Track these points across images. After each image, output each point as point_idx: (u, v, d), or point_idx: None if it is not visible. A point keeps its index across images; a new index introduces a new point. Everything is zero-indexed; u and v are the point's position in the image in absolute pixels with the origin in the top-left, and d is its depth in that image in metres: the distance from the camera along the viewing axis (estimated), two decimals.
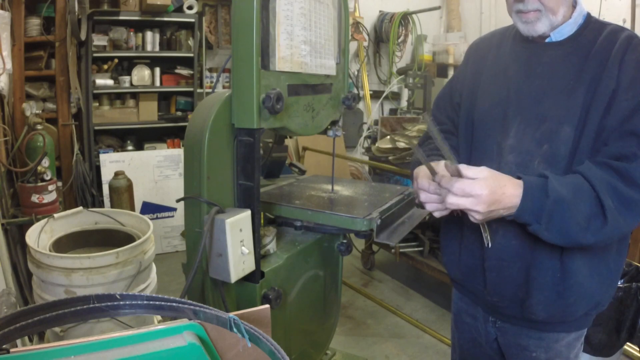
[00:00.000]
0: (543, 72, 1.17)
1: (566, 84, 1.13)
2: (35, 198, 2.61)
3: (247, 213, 1.24)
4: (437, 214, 1.13)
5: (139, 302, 0.81)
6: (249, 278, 1.29)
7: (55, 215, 1.84)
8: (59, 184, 3.40)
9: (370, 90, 5.74)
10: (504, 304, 1.27)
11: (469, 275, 1.33)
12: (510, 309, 1.26)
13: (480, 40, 1.41)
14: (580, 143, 1.10)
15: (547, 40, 1.18)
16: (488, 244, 1.08)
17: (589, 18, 1.18)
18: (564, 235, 1.05)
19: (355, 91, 2.78)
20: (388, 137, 3.71)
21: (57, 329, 1.54)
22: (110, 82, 4.14)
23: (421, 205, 1.15)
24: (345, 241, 1.68)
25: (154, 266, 1.82)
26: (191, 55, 4.39)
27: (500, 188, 1.02)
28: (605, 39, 1.13)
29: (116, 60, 4.16)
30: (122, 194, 3.40)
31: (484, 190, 1.00)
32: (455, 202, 1.01)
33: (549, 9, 1.12)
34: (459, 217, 1.33)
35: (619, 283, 2.11)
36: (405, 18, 5.53)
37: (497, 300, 1.28)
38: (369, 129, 5.57)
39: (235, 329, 0.75)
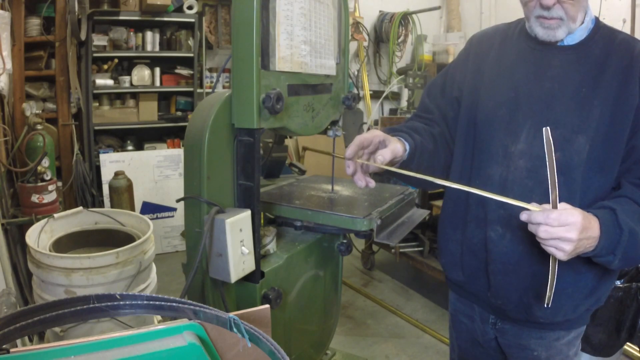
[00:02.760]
0: (554, 75, 1.16)
1: (577, 90, 1.13)
2: (35, 198, 2.61)
3: (247, 213, 1.24)
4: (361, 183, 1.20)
5: (139, 302, 0.81)
6: (249, 278, 1.29)
7: (55, 215, 1.84)
8: (59, 184, 3.40)
9: (370, 90, 5.74)
10: (509, 307, 1.26)
11: (471, 277, 1.32)
12: (515, 312, 1.26)
13: (482, 34, 1.39)
14: (594, 155, 1.11)
15: (558, 44, 1.17)
16: (549, 303, 1.02)
17: (597, 23, 1.18)
18: (632, 261, 1.11)
19: (355, 91, 2.79)
20: None
21: (57, 329, 1.54)
22: (110, 82, 4.14)
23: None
24: (345, 241, 1.68)
25: (154, 266, 1.82)
26: (191, 55, 4.39)
27: (587, 217, 1.02)
28: (619, 50, 1.13)
29: (116, 60, 4.16)
30: (122, 194, 3.40)
31: (577, 217, 0.98)
32: (550, 232, 0.98)
33: (570, 17, 1.11)
34: (458, 219, 1.33)
35: (619, 283, 2.11)
36: (405, 18, 5.53)
37: (501, 304, 1.27)
38: (369, 129, 5.56)
39: (235, 329, 0.75)
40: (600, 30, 1.17)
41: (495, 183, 1.20)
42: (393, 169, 1.18)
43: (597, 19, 1.19)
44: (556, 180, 0.97)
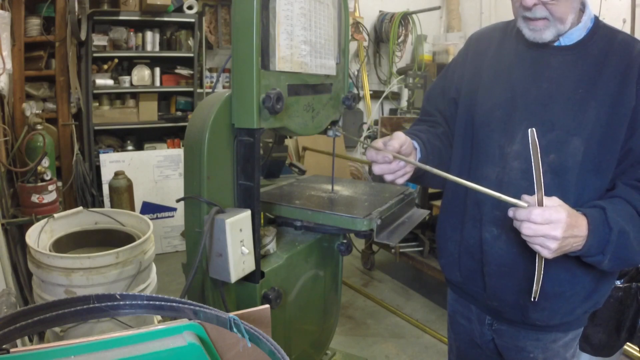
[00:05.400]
0: (551, 76, 1.14)
1: (574, 91, 1.11)
2: (35, 198, 2.61)
3: (247, 213, 1.24)
4: (398, 180, 1.20)
5: (139, 302, 0.81)
6: (249, 278, 1.29)
7: (55, 215, 1.84)
8: (59, 184, 3.40)
9: (370, 90, 5.74)
10: (505, 309, 1.26)
11: (468, 278, 1.32)
12: (511, 314, 1.26)
13: (481, 33, 1.37)
14: (589, 157, 1.10)
15: (555, 44, 1.15)
16: (535, 297, 1.02)
17: (597, 22, 1.16)
18: (623, 263, 1.08)
19: (355, 91, 2.79)
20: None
21: (57, 329, 1.54)
22: (110, 82, 4.15)
23: (379, 178, 1.22)
24: (345, 241, 1.68)
25: (154, 266, 1.82)
26: (191, 55, 4.39)
27: (575, 215, 1.00)
28: (618, 51, 1.11)
29: (116, 60, 4.16)
30: (122, 194, 3.40)
31: (562, 214, 0.97)
32: (534, 229, 0.97)
33: (557, 18, 1.09)
34: (456, 219, 1.32)
35: (619, 283, 2.11)
36: (405, 18, 5.53)
37: (497, 305, 1.27)
38: (369, 129, 5.56)
39: (235, 329, 0.75)
40: (599, 30, 1.15)
41: (491, 184, 1.19)
42: (427, 167, 1.15)
43: (596, 19, 1.17)
44: (542, 180, 0.96)
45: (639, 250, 1.06)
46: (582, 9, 1.14)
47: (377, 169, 1.19)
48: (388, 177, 1.20)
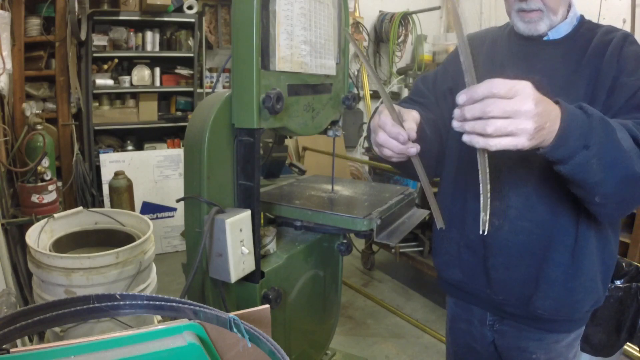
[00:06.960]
0: (543, 69, 1.18)
1: (566, 80, 1.15)
2: (35, 198, 2.61)
3: (247, 213, 1.24)
4: (395, 159, 1.03)
5: (139, 302, 0.81)
6: (249, 278, 1.29)
7: (55, 215, 1.84)
8: (59, 184, 3.40)
9: (370, 90, 5.74)
10: (510, 301, 1.25)
11: (470, 275, 1.31)
12: (516, 307, 1.25)
13: (473, 35, 1.40)
14: None
15: (544, 38, 1.20)
16: (484, 230, 0.88)
17: (582, 19, 1.22)
18: (615, 164, 0.89)
19: (355, 91, 2.79)
20: None
21: (57, 329, 1.54)
22: (110, 82, 4.14)
23: (379, 151, 1.03)
24: (345, 241, 1.68)
25: (154, 266, 1.82)
26: (191, 55, 4.39)
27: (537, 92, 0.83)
28: (601, 37, 1.16)
29: (116, 60, 4.16)
30: (122, 194, 3.40)
31: (524, 82, 0.81)
32: (503, 106, 0.78)
33: (550, 9, 1.14)
34: (455, 216, 1.31)
35: (619, 283, 2.11)
36: (405, 18, 5.53)
37: (502, 299, 1.26)
38: (368, 127, 5.56)
39: (235, 329, 0.75)
40: (584, 24, 1.21)
41: (490, 173, 1.19)
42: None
43: (582, 17, 1.23)
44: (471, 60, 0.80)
45: (630, 151, 0.90)
46: (569, 5, 1.20)
47: (382, 138, 0.99)
48: (386, 152, 1.03)
